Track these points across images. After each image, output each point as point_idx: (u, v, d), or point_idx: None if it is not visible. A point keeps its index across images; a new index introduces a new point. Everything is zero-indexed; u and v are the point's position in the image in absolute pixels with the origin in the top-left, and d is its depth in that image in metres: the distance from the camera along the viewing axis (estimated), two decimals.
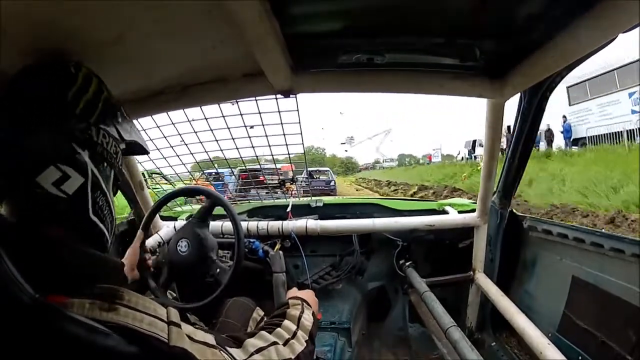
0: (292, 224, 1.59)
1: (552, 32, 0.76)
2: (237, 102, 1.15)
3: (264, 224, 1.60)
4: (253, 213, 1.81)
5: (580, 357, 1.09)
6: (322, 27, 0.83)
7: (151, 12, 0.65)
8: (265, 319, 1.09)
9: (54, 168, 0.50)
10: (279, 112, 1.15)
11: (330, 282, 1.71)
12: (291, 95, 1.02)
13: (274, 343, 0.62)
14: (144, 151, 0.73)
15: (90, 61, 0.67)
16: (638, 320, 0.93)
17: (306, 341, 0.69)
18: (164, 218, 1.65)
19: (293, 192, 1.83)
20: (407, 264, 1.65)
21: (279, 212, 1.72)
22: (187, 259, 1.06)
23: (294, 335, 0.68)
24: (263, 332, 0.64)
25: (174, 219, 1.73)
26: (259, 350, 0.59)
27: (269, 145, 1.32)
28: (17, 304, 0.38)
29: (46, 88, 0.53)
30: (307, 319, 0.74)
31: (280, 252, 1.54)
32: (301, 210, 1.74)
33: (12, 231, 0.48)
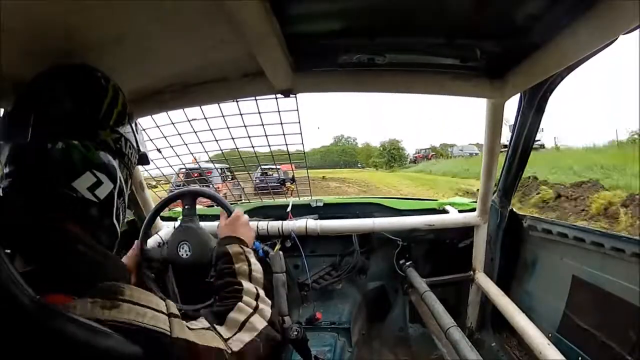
0: (292, 224, 1.59)
1: (552, 33, 0.76)
2: (237, 102, 1.15)
3: (263, 224, 1.60)
4: (253, 213, 1.81)
5: (580, 358, 1.09)
6: (322, 27, 0.83)
7: (151, 12, 0.65)
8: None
9: (90, 174, 0.53)
10: (278, 111, 1.15)
11: (330, 282, 1.71)
12: (291, 95, 1.02)
13: (251, 314, 0.66)
14: (147, 162, 0.77)
15: (91, 61, 0.67)
16: (638, 320, 0.93)
17: (265, 295, 0.73)
18: (163, 218, 1.65)
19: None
20: (407, 263, 1.65)
21: (278, 212, 1.72)
22: (188, 263, 1.06)
23: (257, 297, 0.71)
24: (240, 304, 0.66)
25: (174, 219, 1.73)
26: (242, 325, 0.63)
27: (269, 145, 1.32)
28: (18, 306, 0.38)
29: (84, 97, 0.55)
30: (257, 270, 0.77)
31: (281, 252, 1.53)
32: (301, 210, 1.74)
33: (38, 228, 0.49)
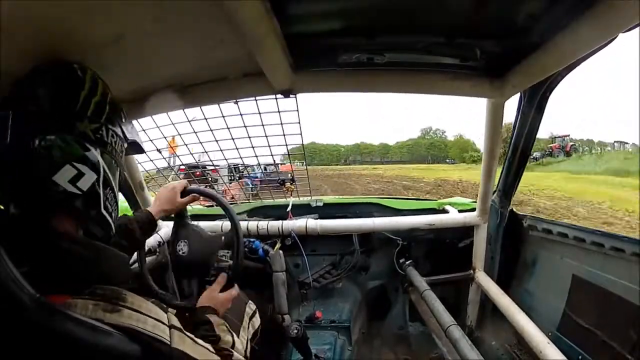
0: (292, 223, 1.59)
1: (552, 32, 0.76)
2: (237, 102, 1.15)
3: (264, 224, 1.60)
4: (253, 213, 1.81)
5: (580, 357, 1.09)
6: (322, 27, 0.83)
7: (151, 12, 0.65)
8: (257, 314, 1.10)
9: (70, 166, 0.53)
10: (278, 112, 1.15)
11: (330, 281, 1.71)
12: (291, 95, 1.02)
13: None
14: (141, 150, 0.76)
15: (91, 61, 0.67)
16: (638, 319, 0.93)
17: None
18: (163, 218, 1.65)
19: (292, 192, 1.82)
20: (407, 262, 1.65)
21: (279, 212, 1.72)
22: (187, 260, 1.06)
23: None
24: None
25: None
26: None
27: (269, 145, 1.32)
28: (18, 305, 0.38)
29: (59, 92, 0.55)
30: (240, 345, 0.78)
31: (280, 251, 1.54)
32: (301, 210, 1.74)
33: (25, 227, 0.50)
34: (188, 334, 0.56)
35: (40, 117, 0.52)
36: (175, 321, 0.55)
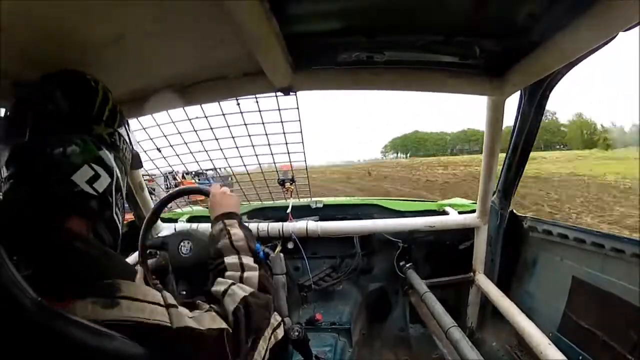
0: (293, 225, 1.59)
1: (552, 31, 0.76)
2: (237, 102, 1.15)
3: (264, 226, 1.60)
4: (253, 214, 1.81)
5: (580, 357, 1.09)
6: (321, 26, 0.83)
7: (151, 12, 0.65)
8: (282, 325, 1.08)
9: (88, 167, 0.54)
10: (279, 110, 1.15)
11: (330, 284, 1.71)
12: (291, 93, 1.02)
13: (231, 284, 0.65)
14: (140, 165, 0.77)
15: (91, 61, 0.67)
16: (638, 320, 0.93)
17: (255, 262, 0.71)
18: (164, 220, 1.66)
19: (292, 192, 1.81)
20: (407, 265, 1.65)
21: (279, 214, 1.72)
22: (189, 261, 1.05)
23: (242, 266, 0.69)
24: (219, 278, 0.67)
25: (174, 220, 1.73)
26: (223, 294, 0.63)
27: (269, 144, 1.32)
28: (21, 309, 0.37)
29: (77, 96, 0.57)
30: (237, 239, 0.73)
31: (281, 254, 1.53)
32: (301, 212, 1.74)
33: (38, 226, 0.50)
34: (183, 308, 0.55)
35: (59, 118, 0.54)
36: (171, 299, 0.54)
